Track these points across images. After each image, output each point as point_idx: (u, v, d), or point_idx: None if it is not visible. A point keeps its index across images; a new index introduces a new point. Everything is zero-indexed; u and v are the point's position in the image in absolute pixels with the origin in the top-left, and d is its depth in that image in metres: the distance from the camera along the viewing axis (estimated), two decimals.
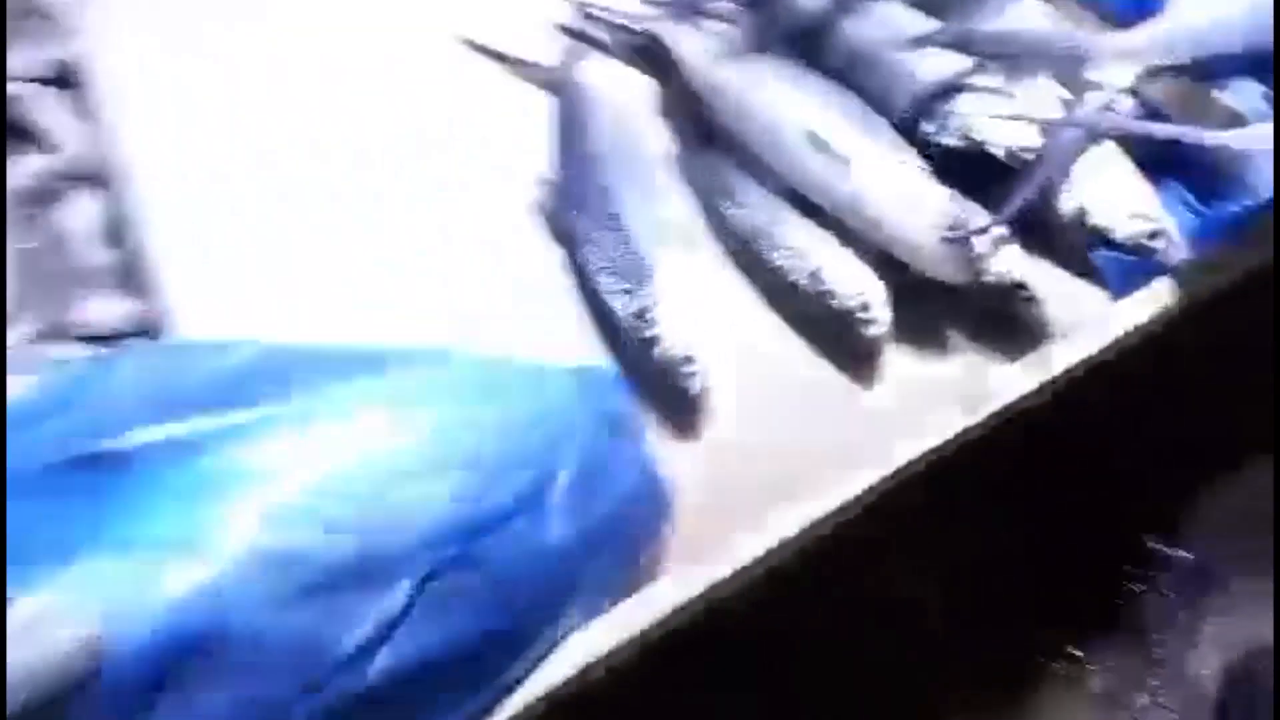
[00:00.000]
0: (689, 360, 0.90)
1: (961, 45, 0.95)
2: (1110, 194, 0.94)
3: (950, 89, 0.98)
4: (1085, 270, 0.95)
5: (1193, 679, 1.16)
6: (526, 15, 1.30)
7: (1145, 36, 0.94)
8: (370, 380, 0.68)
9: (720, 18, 1.20)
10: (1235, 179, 0.94)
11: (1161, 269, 0.89)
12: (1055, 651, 1.18)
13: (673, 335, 0.92)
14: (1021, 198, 0.89)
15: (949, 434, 0.81)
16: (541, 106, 1.22)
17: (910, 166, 0.94)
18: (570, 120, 1.18)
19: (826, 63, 1.08)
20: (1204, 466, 1.21)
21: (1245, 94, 0.96)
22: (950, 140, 0.97)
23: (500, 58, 1.27)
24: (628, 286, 0.96)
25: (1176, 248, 0.90)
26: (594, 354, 0.96)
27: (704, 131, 1.12)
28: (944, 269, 0.90)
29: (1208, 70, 0.95)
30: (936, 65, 1.00)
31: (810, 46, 1.10)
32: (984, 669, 1.16)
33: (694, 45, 1.17)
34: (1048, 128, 0.93)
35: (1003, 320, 0.92)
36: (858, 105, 1.01)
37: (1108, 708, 1.15)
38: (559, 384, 0.78)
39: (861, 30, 1.06)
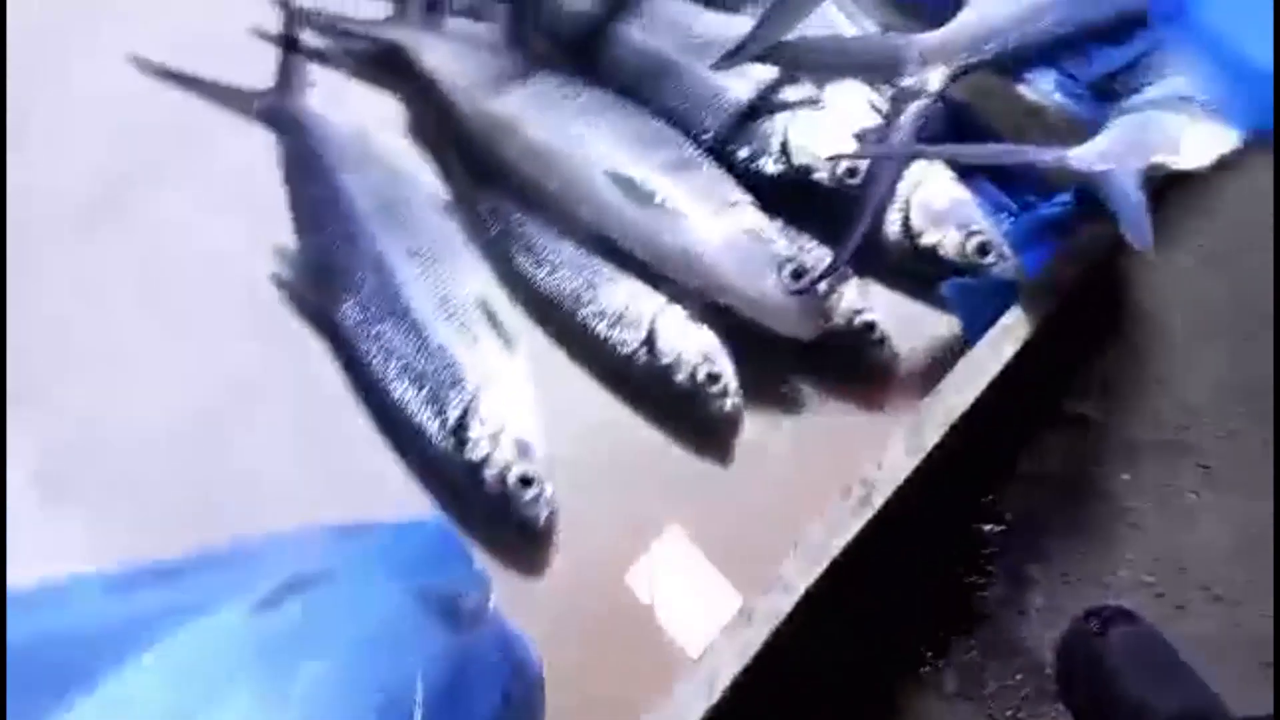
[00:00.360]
0: (527, 483, 0.75)
1: (768, 56, 0.83)
2: (933, 209, 0.87)
3: (762, 106, 0.87)
4: (927, 297, 0.89)
5: (1031, 652, 1.21)
6: (224, 24, 1.04)
7: (952, 33, 0.87)
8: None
9: (467, 14, 1.01)
10: (1043, 178, 0.92)
11: (1002, 289, 0.84)
12: (913, 658, 1.19)
13: (502, 452, 0.76)
14: (859, 231, 0.81)
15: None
16: (261, 147, 0.99)
17: (737, 206, 0.82)
18: (302, 163, 0.96)
19: (611, 78, 0.93)
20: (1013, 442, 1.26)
21: (1043, 83, 0.92)
22: (771, 167, 0.86)
23: (195, 85, 1.01)
24: (434, 395, 0.79)
25: (1007, 260, 0.86)
26: (400, 501, 0.79)
27: (480, 170, 0.94)
28: (794, 325, 0.80)
29: (1009, 63, 0.91)
30: (742, 80, 0.88)
31: (587, 57, 0.95)
32: (850, 683, 1.15)
33: (443, 57, 0.97)
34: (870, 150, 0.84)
35: (853, 364, 0.85)
36: (659, 132, 0.87)
37: (962, 701, 1.19)
38: (367, 577, 0.61)
39: (649, 37, 0.92)
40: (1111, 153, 0.73)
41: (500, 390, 0.79)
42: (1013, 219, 0.93)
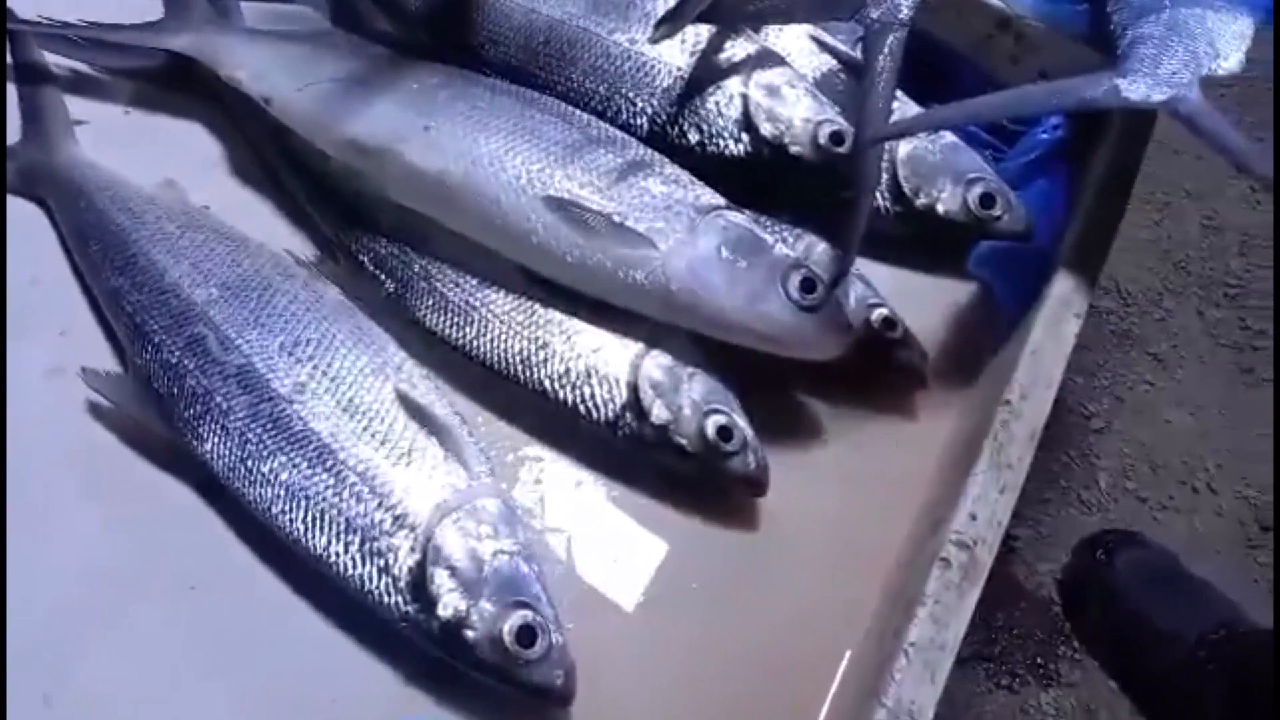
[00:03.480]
0: (530, 638, 0.56)
1: (712, 12, 0.64)
2: (926, 162, 0.72)
3: (705, 74, 0.68)
4: (932, 267, 0.74)
5: (1031, 591, 1.14)
6: None
7: None
8: None
9: None
10: None
11: (1033, 254, 0.70)
12: None
13: (485, 602, 0.57)
14: (864, 209, 0.65)
15: None
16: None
17: (713, 212, 0.64)
18: (93, 243, 0.71)
19: (492, 59, 0.72)
20: None
21: None
22: (733, 148, 0.68)
23: None
24: (370, 547, 0.58)
25: (1014, 209, 0.72)
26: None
27: (346, 213, 0.71)
28: (814, 346, 0.64)
29: None
30: (670, 45, 0.68)
31: (451, 34, 0.73)
32: None
33: (254, 63, 0.73)
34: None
35: (879, 372, 0.69)
36: (590, 130, 0.67)
37: (979, 663, 1.10)
38: None
39: (539, 2, 0.70)
40: (1165, 74, 0.59)
41: (461, 515, 0.59)
42: (997, 155, 0.80)
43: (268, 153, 0.75)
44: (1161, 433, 1.24)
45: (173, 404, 0.63)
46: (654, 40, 0.65)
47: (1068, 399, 1.26)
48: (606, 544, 0.65)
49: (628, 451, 0.66)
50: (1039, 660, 1.12)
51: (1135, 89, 0.59)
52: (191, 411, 0.62)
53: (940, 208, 0.72)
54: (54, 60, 0.79)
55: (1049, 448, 1.23)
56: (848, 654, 0.63)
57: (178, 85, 0.78)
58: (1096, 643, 1.10)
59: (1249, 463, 1.21)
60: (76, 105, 0.78)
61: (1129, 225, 1.35)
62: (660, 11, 0.67)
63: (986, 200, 0.72)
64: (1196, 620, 1.02)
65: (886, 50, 0.67)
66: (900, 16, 0.69)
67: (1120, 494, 1.21)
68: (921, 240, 0.74)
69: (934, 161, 0.72)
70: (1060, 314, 0.63)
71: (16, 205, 0.75)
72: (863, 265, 0.72)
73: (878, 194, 0.72)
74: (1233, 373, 1.28)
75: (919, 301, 0.72)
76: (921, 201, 0.72)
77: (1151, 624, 1.04)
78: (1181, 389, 1.27)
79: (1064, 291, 0.64)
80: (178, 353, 0.63)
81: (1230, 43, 0.64)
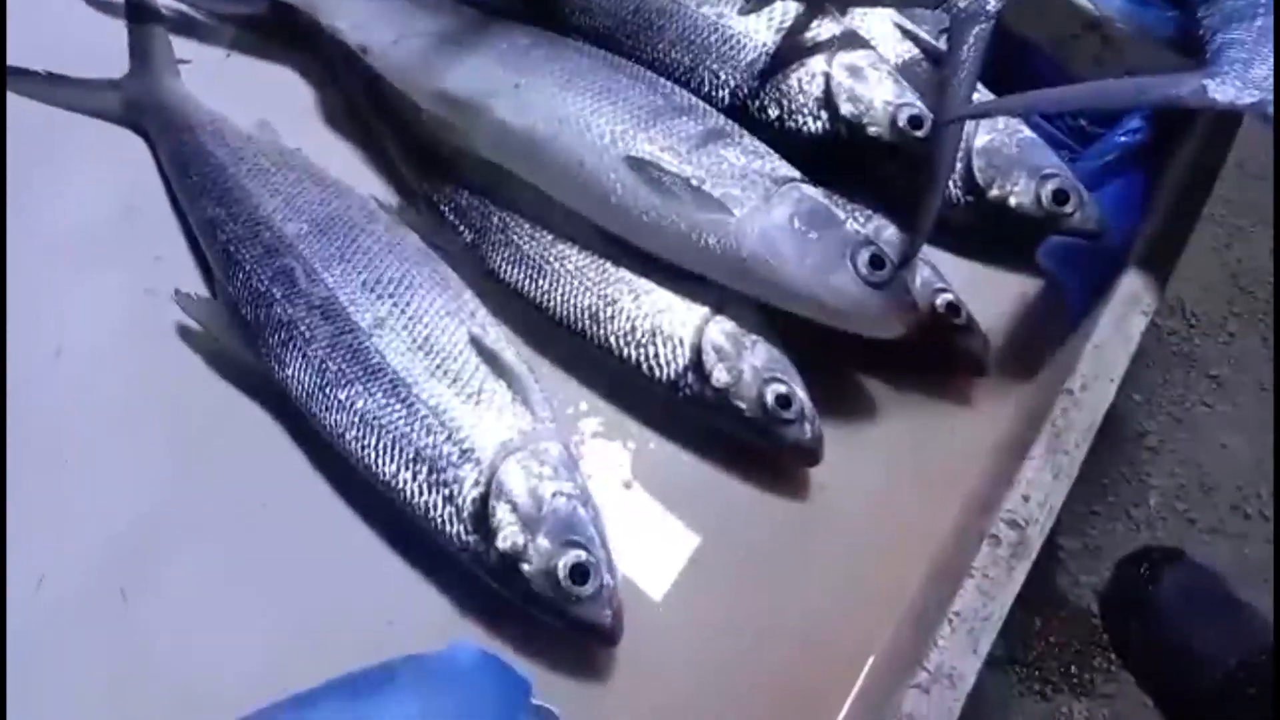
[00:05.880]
0: (583, 576, 0.58)
1: None
2: (1002, 154, 0.73)
3: (790, 52, 0.69)
4: (1003, 260, 0.74)
5: (1072, 602, 1.14)
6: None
7: None
8: None
9: None
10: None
11: (1104, 253, 0.70)
12: None
13: (543, 539, 0.59)
14: (938, 194, 0.66)
15: None
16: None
17: (788, 185, 0.65)
18: (192, 173, 0.74)
19: (582, 26, 0.74)
20: None
21: None
22: (811, 125, 0.69)
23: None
24: (437, 477, 0.61)
25: (1087, 207, 0.72)
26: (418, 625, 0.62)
27: (432, 164, 0.74)
28: (877, 324, 0.65)
29: None
30: (757, 20, 0.70)
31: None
32: None
33: (356, 15, 0.75)
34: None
35: (940, 357, 0.70)
36: (673, 97, 0.69)
37: (1012, 666, 1.10)
38: None
39: None
40: (1255, 78, 0.59)
41: (525, 455, 0.61)
42: (1074, 155, 0.80)
43: (360, 102, 0.77)
44: (1216, 456, 1.23)
45: (258, 330, 0.66)
46: (744, 12, 0.67)
47: (1124, 415, 1.25)
48: (653, 505, 0.67)
49: (686, 414, 0.67)
50: (1074, 670, 1.12)
51: (1224, 90, 0.59)
52: (276, 338, 0.65)
53: (1013, 200, 0.72)
54: (164, 2, 0.83)
55: (1102, 462, 1.22)
56: (888, 632, 0.64)
57: (278, 33, 0.81)
58: (1134, 658, 1.09)
59: None
60: (182, 46, 0.82)
61: (1199, 247, 1.34)
62: None
63: (1059, 196, 0.72)
64: (1238, 644, 1.01)
65: (971, 40, 0.68)
66: (987, 8, 0.69)
67: (1170, 513, 1.20)
68: (992, 232, 0.74)
69: (1010, 155, 0.73)
70: (1128, 310, 0.64)
71: (119, 135, 0.78)
72: (932, 252, 0.73)
73: (952, 183, 0.73)
74: None
75: (986, 292, 0.73)
76: (994, 193, 0.72)
77: (1191, 644, 1.03)
78: (1240, 414, 1.25)
79: (1133, 288, 0.64)
80: (266, 282, 0.66)
81: None
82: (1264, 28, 0.64)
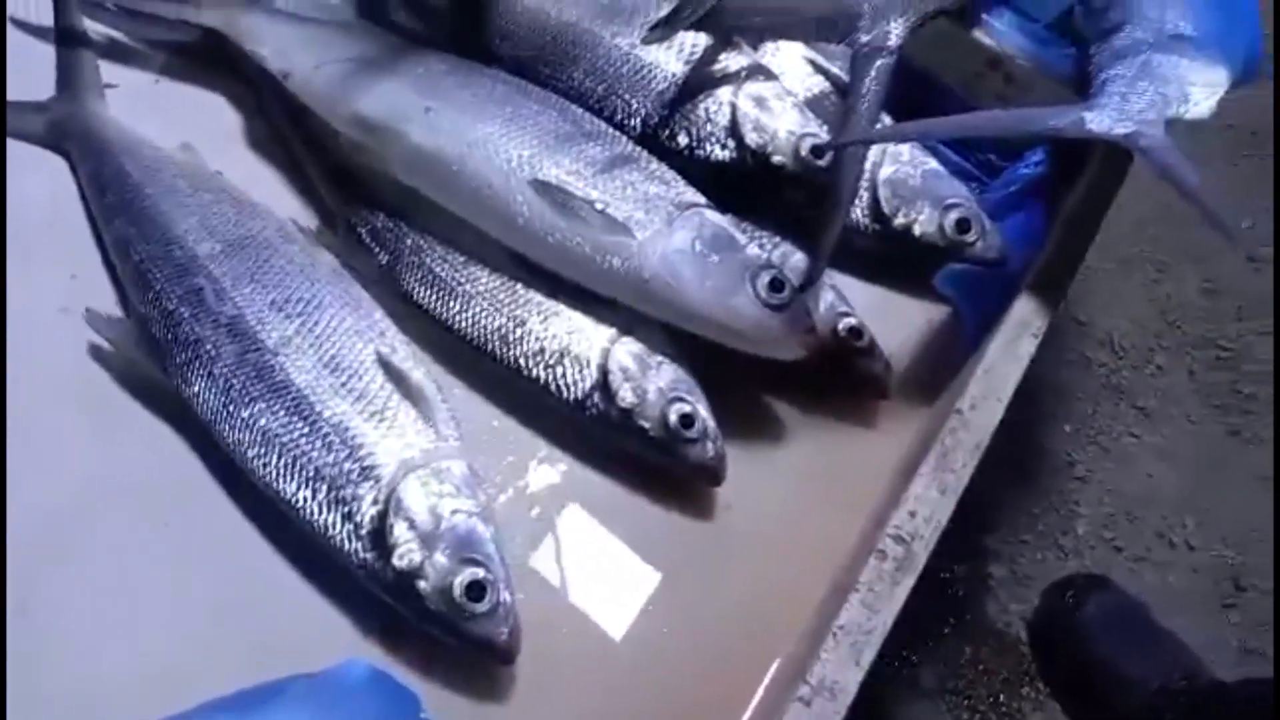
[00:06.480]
0: (479, 592, 0.59)
1: (707, 21, 0.67)
2: (906, 185, 0.75)
3: (698, 82, 0.71)
4: (904, 286, 0.76)
5: (1002, 632, 1.15)
6: None
7: None
8: None
9: None
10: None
11: (1004, 280, 0.73)
12: (894, 657, 1.11)
13: (440, 556, 0.59)
14: (838, 221, 0.68)
15: None
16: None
17: (692, 209, 0.67)
18: (111, 195, 0.75)
19: (501, 55, 0.76)
20: None
21: (1000, 25, 0.80)
22: (719, 153, 0.71)
23: None
24: (337, 495, 0.61)
25: (989, 236, 0.75)
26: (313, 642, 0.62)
27: (351, 186, 0.75)
28: (776, 346, 0.66)
29: (966, 7, 0.78)
30: (669, 51, 0.72)
31: (466, 30, 0.77)
32: None
33: (279, 42, 0.77)
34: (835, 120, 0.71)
35: (841, 380, 0.72)
36: (582, 123, 0.71)
37: (944, 696, 1.11)
38: None
39: (548, 2, 0.74)
40: (1130, 111, 0.62)
41: (425, 473, 0.62)
42: (982, 188, 0.82)
43: (284, 127, 0.79)
44: (1143, 486, 1.25)
45: (167, 348, 0.66)
46: (645, 42, 0.69)
47: (1054, 445, 1.27)
48: (559, 524, 0.68)
49: (592, 434, 0.68)
50: (1003, 698, 1.13)
51: (1099, 121, 0.62)
52: (183, 356, 0.66)
53: (917, 229, 0.75)
54: (93, 27, 0.84)
55: (1032, 491, 1.24)
56: (788, 648, 0.64)
57: (207, 59, 0.82)
58: (1060, 685, 1.10)
59: (1228, 523, 1.22)
60: (112, 71, 0.83)
61: (1129, 283, 1.38)
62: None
63: (962, 225, 0.74)
64: (1159, 669, 1.02)
65: (873, 73, 0.70)
66: (889, 44, 0.72)
67: (1097, 542, 1.22)
68: (896, 259, 0.77)
69: (915, 185, 0.75)
70: (1018, 333, 0.66)
71: (43, 156, 0.79)
72: (837, 277, 0.75)
73: (857, 211, 0.75)
74: (1219, 433, 1.29)
75: (888, 316, 0.75)
76: (899, 221, 0.75)
77: (1115, 669, 1.04)
78: (1167, 445, 1.28)
79: (1024, 313, 0.66)
80: (175, 300, 0.67)
81: (1202, 90, 0.67)
82: (1146, 64, 0.67)
